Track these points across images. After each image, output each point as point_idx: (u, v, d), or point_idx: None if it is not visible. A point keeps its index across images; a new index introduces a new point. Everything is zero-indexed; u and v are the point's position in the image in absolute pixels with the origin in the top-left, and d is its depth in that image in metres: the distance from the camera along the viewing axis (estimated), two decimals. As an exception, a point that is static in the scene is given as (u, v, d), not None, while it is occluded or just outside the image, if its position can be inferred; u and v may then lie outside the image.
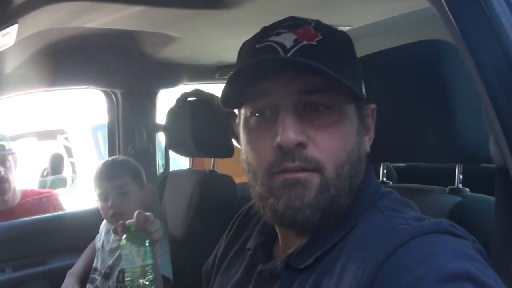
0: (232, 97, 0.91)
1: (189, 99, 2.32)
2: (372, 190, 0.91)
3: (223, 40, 2.12)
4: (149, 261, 1.40)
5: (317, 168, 0.83)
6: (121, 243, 1.43)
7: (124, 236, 1.44)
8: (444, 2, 0.80)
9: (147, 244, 1.42)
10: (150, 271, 1.39)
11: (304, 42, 0.84)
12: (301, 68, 0.81)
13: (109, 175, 2.08)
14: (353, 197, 0.87)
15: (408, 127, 1.14)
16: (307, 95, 0.84)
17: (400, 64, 1.16)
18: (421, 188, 1.28)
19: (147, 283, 1.36)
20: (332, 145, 0.84)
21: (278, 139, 0.81)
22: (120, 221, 1.48)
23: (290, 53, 0.84)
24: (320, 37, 0.85)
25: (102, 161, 2.21)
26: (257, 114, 0.88)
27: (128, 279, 1.38)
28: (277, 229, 0.97)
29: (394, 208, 0.85)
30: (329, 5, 1.68)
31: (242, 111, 0.92)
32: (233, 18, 1.77)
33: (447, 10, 0.80)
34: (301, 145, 0.82)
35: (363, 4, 1.77)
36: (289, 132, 0.81)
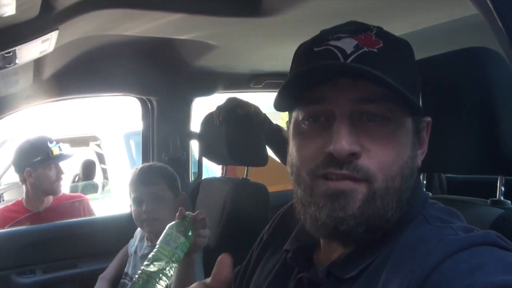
0: (285, 100, 0.89)
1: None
2: (420, 202, 0.88)
3: (260, 48, 2.13)
4: (180, 253, 1.46)
5: (367, 178, 0.80)
6: (169, 224, 1.51)
7: (176, 221, 1.51)
8: (492, 9, 0.79)
9: (188, 237, 1.48)
10: (173, 265, 1.43)
11: (365, 49, 0.82)
12: (360, 75, 0.79)
13: (146, 181, 2.09)
14: (402, 212, 0.84)
15: (449, 138, 1.11)
16: (364, 104, 0.81)
17: (441, 72, 1.13)
18: (462, 200, 1.25)
19: (163, 271, 1.41)
20: (386, 157, 0.81)
21: (331, 147, 0.79)
22: (180, 208, 1.55)
23: (350, 59, 0.81)
24: (382, 45, 0.83)
25: (140, 166, 2.23)
26: (310, 119, 0.86)
27: (150, 256, 1.43)
28: None
29: (441, 218, 0.83)
30: (369, 14, 1.66)
31: (294, 114, 0.90)
32: (271, 25, 1.77)
33: (496, 16, 0.79)
34: (353, 155, 0.80)
35: (404, 13, 1.75)
36: (343, 141, 0.78)
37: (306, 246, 0.98)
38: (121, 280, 2.18)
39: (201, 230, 1.54)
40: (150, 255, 1.44)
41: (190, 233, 1.50)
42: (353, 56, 0.81)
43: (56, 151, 2.83)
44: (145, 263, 1.43)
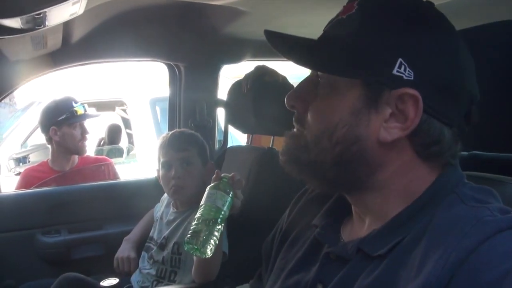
0: None
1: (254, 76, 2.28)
2: (453, 181, 0.85)
3: (290, 15, 2.08)
4: (227, 211, 1.45)
5: (304, 129, 0.89)
6: (208, 186, 1.51)
7: (214, 183, 1.52)
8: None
9: (232, 196, 1.49)
10: (220, 222, 1.42)
11: (339, 17, 0.87)
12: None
13: (176, 146, 2.11)
14: (344, 176, 0.87)
15: (483, 114, 1.07)
16: None
17: (477, 45, 1.09)
18: (490, 178, 1.21)
19: (213, 229, 1.39)
20: (314, 114, 0.88)
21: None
22: (216, 170, 1.60)
23: (325, 29, 0.90)
24: (353, 11, 0.84)
25: (171, 131, 2.24)
26: None
27: (198, 215, 1.42)
28: (353, 209, 0.95)
29: (476, 198, 0.80)
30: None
31: None
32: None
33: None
34: (295, 108, 0.91)
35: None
36: (289, 95, 0.91)
37: (335, 222, 0.98)
38: (146, 244, 2.21)
39: (238, 191, 1.55)
40: (198, 214, 1.42)
41: (231, 193, 1.50)
42: (327, 26, 0.90)
43: (80, 110, 2.89)
44: (194, 222, 1.40)
